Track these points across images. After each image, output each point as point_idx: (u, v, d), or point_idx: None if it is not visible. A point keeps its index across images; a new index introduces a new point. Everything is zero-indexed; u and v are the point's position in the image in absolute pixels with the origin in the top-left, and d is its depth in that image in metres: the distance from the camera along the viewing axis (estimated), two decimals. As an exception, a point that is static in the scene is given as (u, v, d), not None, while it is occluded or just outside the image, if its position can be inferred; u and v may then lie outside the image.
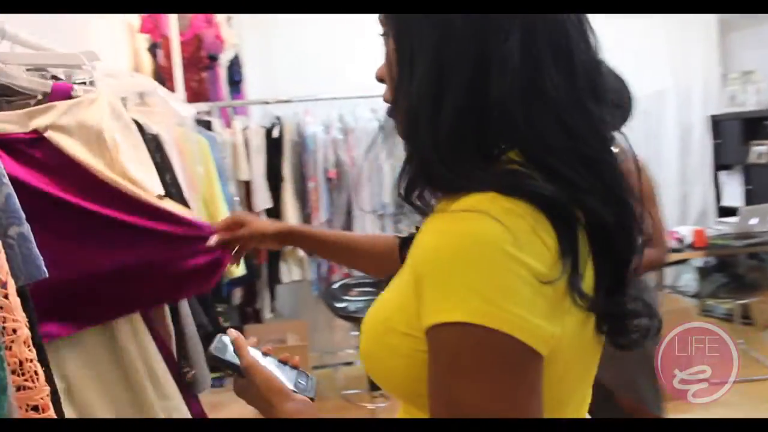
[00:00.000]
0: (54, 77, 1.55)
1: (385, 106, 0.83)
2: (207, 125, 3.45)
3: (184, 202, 2.03)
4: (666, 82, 5.33)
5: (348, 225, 3.88)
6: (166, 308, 1.56)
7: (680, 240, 4.17)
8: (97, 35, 3.59)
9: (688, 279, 4.80)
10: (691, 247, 4.12)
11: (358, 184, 3.80)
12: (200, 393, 1.63)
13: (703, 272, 4.87)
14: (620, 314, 0.75)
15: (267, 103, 4.01)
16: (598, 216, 0.70)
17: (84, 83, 1.59)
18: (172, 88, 3.82)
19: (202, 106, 3.71)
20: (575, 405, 0.80)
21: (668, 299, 4.20)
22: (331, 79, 4.27)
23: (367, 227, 3.84)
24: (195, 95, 4.06)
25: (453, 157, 0.72)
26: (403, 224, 3.89)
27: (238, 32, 4.85)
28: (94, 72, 1.66)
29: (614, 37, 5.04)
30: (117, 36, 3.94)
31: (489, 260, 0.64)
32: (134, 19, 4.02)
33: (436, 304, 0.66)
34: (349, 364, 4.20)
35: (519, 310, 0.63)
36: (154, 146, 1.92)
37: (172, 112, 2.27)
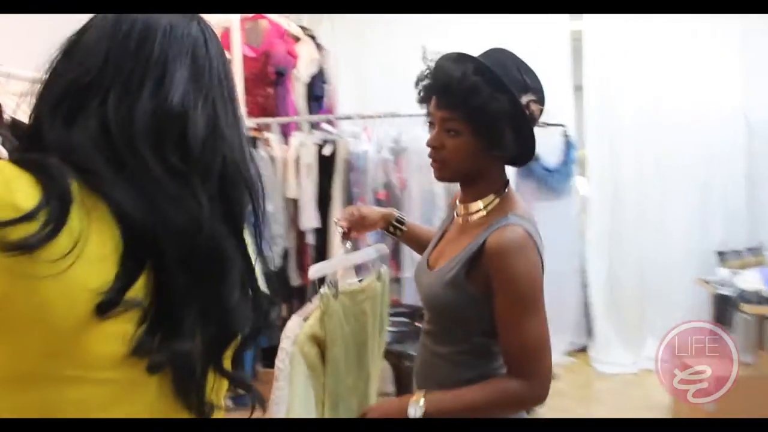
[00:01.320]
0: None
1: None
2: (252, 141, 3.40)
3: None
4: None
5: (396, 247, 3.66)
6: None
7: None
8: None
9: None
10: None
11: (407, 206, 3.58)
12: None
13: None
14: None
15: (328, 121, 3.92)
16: (122, 206, 0.70)
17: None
18: (243, 102, 3.86)
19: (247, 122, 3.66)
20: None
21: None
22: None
23: (414, 252, 3.60)
24: (261, 110, 4.07)
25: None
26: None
27: (333, 46, 4.86)
28: None
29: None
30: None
31: None
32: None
33: None
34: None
35: None
36: None
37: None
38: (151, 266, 0.72)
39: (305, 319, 1.64)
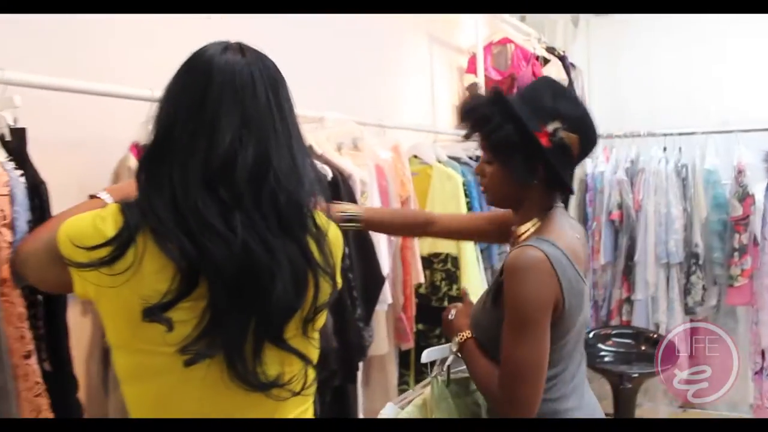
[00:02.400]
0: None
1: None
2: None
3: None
4: None
5: (628, 271, 3.64)
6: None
7: None
8: (438, 75, 4.12)
9: None
10: None
11: (642, 228, 3.54)
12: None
13: None
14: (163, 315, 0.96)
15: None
16: (173, 256, 0.96)
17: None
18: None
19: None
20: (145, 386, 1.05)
21: None
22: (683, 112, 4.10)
23: (650, 276, 3.54)
24: (505, 131, 4.26)
25: None
26: (694, 276, 3.50)
27: (587, 64, 4.92)
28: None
29: None
30: (453, 76, 4.41)
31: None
32: (464, 61, 4.43)
33: None
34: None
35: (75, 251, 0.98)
36: (332, 187, 2.22)
37: (375, 155, 2.58)
38: (203, 287, 0.97)
39: (402, 408, 1.60)
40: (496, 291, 1.42)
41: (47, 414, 1.33)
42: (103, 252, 0.95)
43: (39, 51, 1.60)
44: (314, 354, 1.14)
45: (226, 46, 1.06)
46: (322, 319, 1.14)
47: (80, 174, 1.55)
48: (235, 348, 0.99)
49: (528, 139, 1.39)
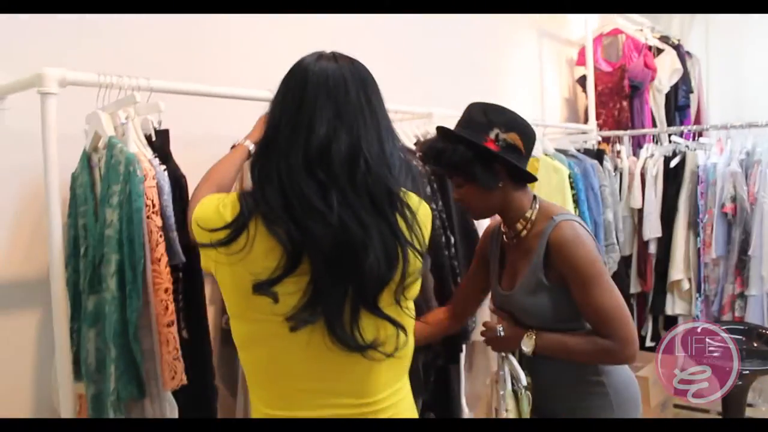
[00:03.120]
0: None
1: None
2: (596, 154, 3.65)
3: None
4: None
5: (742, 265, 3.54)
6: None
7: None
8: (548, 68, 4.17)
9: None
10: None
11: (757, 221, 3.44)
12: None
13: None
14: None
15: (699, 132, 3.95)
16: (281, 238, 1.09)
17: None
18: (597, 116, 4.12)
19: (585, 134, 3.88)
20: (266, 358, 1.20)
21: None
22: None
23: (765, 271, 3.44)
24: (616, 123, 4.24)
25: None
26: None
27: (705, 51, 4.78)
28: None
29: None
30: (562, 68, 4.43)
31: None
32: (573, 53, 4.42)
33: None
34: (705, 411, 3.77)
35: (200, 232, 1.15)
36: (427, 180, 2.34)
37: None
38: (306, 264, 1.09)
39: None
40: (545, 271, 1.61)
41: (181, 376, 1.54)
42: (222, 234, 1.11)
43: (163, 59, 1.82)
44: (408, 322, 1.25)
45: (320, 55, 1.20)
46: (414, 290, 1.25)
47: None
48: (335, 315, 1.12)
49: (480, 150, 1.59)
